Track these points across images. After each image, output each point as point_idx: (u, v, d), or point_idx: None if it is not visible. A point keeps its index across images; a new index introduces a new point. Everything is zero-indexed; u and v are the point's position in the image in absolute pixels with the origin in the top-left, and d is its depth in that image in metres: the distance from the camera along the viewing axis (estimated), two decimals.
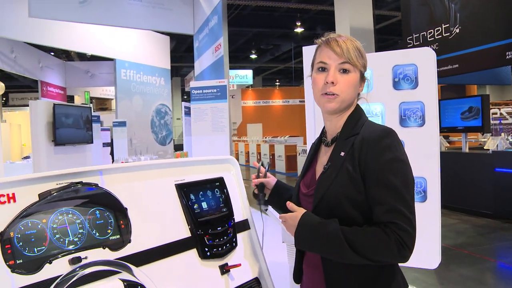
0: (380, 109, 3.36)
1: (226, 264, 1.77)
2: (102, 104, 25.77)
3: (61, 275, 1.29)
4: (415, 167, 3.23)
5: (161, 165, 1.75)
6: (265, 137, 23.37)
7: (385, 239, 1.31)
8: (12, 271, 1.23)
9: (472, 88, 15.13)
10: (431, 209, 3.26)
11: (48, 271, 1.29)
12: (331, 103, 1.48)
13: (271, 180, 1.87)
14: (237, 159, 22.14)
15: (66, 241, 1.37)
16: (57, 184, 1.41)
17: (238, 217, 1.91)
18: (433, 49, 8.18)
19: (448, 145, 10.24)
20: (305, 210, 1.49)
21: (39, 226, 1.33)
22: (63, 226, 1.38)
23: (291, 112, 27.33)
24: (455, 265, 5.16)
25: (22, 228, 1.29)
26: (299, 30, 18.24)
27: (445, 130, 9.26)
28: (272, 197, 1.85)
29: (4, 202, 1.28)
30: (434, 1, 8.30)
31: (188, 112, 9.37)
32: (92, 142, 7.55)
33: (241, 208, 1.97)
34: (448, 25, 8.07)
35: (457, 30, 7.92)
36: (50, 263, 1.31)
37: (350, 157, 1.43)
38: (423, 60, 3.18)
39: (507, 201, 7.29)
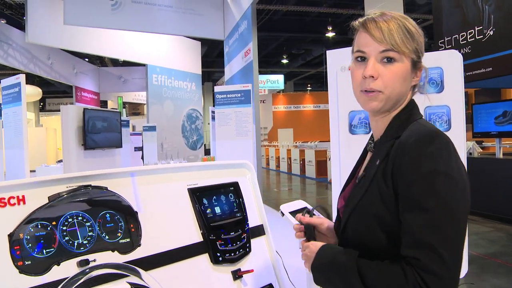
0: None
1: (239, 269, 1.76)
2: (135, 109, 26.26)
3: (68, 277, 1.30)
4: None
5: (173, 169, 1.75)
6: (296, 142, 23.30)
7: (401, 284, 1.01)
8: (20, 272, 1.25)
9: (508, 92, 14.72)
10: None
11: (55, 273, 1.30)
12: (373, 103, 1.18)
13: (323, 221, 1.44)
14: (268, 164, 22.16)
15: (76, 244, 1.38)
16: (67, 187, 1.42)
17: (253, 222, 1.89)
18: (466, 52, 8.02)
19: (482, 150, 9.98)
20: (325, 243, 1.26)
21: (49, 228, 1.34)
22: (73, 228, 1.39)
23: (322, 117, 27.12)
24: (487, 274, 5.00)
25: (32, 230, 1.31)
26: (330, 34, 18.15)
27: (479, 135, 9.03)
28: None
29: (14, 204, 1.30)
30: (467, 3, 8.12)
31: (215, 117, 9.46)
32: (121, 146, 7.67)
33: (256, 213, 1.95)
34: (481, 27, 7.88)
35: (491, 32, 7.72)
36: (58, 265, 1.32)
37: (384, 166, 1.13)
38: (450, 63, 3.11)
39: None
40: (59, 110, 24.31)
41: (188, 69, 15.21)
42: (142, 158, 13.09)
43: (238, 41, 10.73)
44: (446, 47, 8.55)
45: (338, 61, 3.61)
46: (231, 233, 1.76)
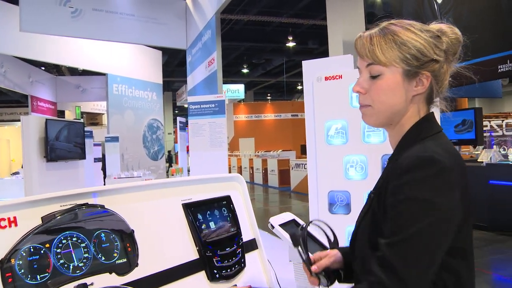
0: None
1: (235, 285, 1.70)
2: (93, 119, 25.65)
3: None
4: None
5: (167, 184, 1.67)
6: (258, 152, 23.33)
7: None
8: None
9: (463, 101, 15.21)
10: None
11: None
12: (365, 117, 1.19)
13: (332, 254, 1.34)
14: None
15: (71, 267, 1.29)
16: (61, 206, 1.33)
17: (246, 236, 1.84)
18: None
19: None
20: None
21: (42, 252, 1.25)
22: (68, 250, 1.30)
23: (284, 126, 27.34)
24: None
25: (24, 254, 1.21)
26: (291, 44, 18.31)
27: None
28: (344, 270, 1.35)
29: (5, 227, 1.20)
30: (427, 15, 8.35)
31: (183, 127, 9.33)
32: (84, 158, 7.45)
33: (248, 227, 1.90)
34: None
35: None
36: None
37: (380, 188, 1.13)
38: None
39: (501, 213, 7.28)
40: (12, 120, 23.51)
41: (149, 78, 15.00)
42: (103, 169, 12.78)
43: (201, 51, 10.65)
44: None
45: (313, 71, 3.61)
46: (226, 249, 1.70)
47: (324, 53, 17.91)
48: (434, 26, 1.17)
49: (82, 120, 9.49)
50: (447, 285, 1.05)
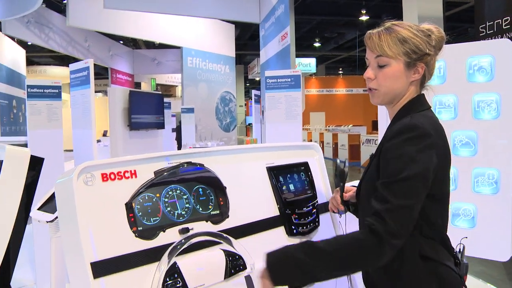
0: (453, 100, 3.37)
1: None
2: (167, 90, 26.60)
3: (173, 242, 1.48)
4: (486, 159, 3.20)
5: (253, 149, 1.91)
6: (328, 126, 23.29)
7: (359, 237, 1.25)
8: (136, 236, 1.43)
9: None
10: (503, 200, 3.24)
11: (162, 238, 1.49)
12: (373, 99, 1.47)
13: (353, 190, 1.69)
14: None
15: (176, 214, 1.56)
16: (168, 163, 1.59)
17: (320, 199, 2.04)
18: (510, 37, 7.92)
19: None
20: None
21: (154, 200, 1.52)
22: (173, 200, 1.57)
23: (355, 101, 27.01)
24: None
25: (141, 201, 1.49)
26: (364, 18, 17.95)
27: None
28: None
29: (128, 177, 1.48)
30: None
31: (257, 100, 9.59)
32: (163, 128, 7.89)
33: (323, 191, 2.10)
34: None
35: None
36: (164, 231, 1.50)
37: (377, 150, 1.43)
38: (501, 51, 3.16)
39: None
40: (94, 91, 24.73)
41: (222, 51, 15.35)
42: (177, 139, 13.35)
43: (274, 25, 10.79)
44: (487, 32, 8.44)
45: None
46: (303, 209, 1.92)
47: None
48: (425, 26, 1.45)
49: (160, 92, 9.97)
50: (423, 227, 1.33)
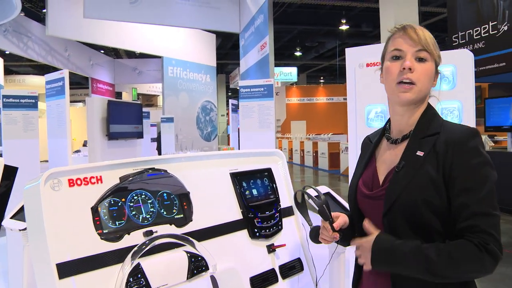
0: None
1: (273, 244, 2.01)
2: (149, 100, 26.59)
3: (137, 244, 1.56)
4: None
5: (217, 156, 2.00)
6: (309, 134, 23.48)
7: (478, 254, 1.22)
8: (101, 239, 1.51)
9: None
10: None
11: (127, 241, 1.57)
12: (407, 93, 1.36)
13: (342, 218, 1.56)
14: None
15: (141, 217, 1.64)
16: (133, 169, 1.68)
17: (284, 203, 2.14)
18: (479, 47, 8.14)
19: (493, 144, 10.11)
20: (378, 232, 1.37)
21: (119, 204, 1.61)
22: (138, 204, 1.65)
23: (335, 109, 27.28)
24: None
25: (107, 205, 1.58)
26: (344, 27, 18.26)
27: (491, 129, 9.16)
28: (347, 232, 1.58)
29: (94, 183, 1.57)
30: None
31: (235, 109, 9.71)
32: (142, 137, 7.95)
33: (286, 196, 2.19)
34: (495, 22, 7.99)
35: (505, 28, 7.84)
36: (129, 234, 1.58)
37: (432, 158, 1.33)
38: (462, 61, 3.31)
39: None
40: (72, 101, 24.45)
41: (203, 61, 15.47)
42: (158, 149, 13.37)
43: (254, 35, 10.94)
44: (460, 42, 8.68)
45: (356, 58, 3.82)
46: (266, 212, 2.01)
47: (378, 37, 17.73)
48: None
49: (140, 102, 10.01)
50: None
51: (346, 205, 2.34)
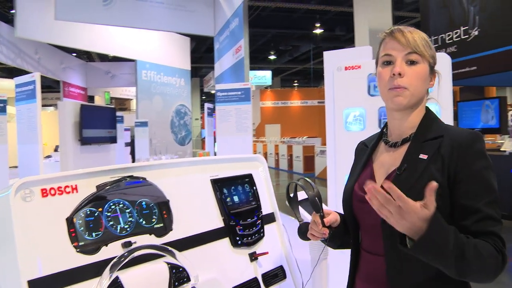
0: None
1: (255, 252, 1.95)
2: (122, 104, 26.23)
3: (116, 256, 1.48)
4: None
5: (198, 162, 1.94)
6: (283, 138, 23.52)
7: (497, 255, 1.21)
8: (77, 251, 1.43)
9: (491, 90, 15.10)
10: None
11: (105, 253, 1.49)
12: (400, 97, 1.34)
13: (334, 215, 1.52)
14: None
15: (118, 228, 1.57)
16: (110, 177, 1.60)
17: (265, 210, 2.09)
18: (452, 51, 8.27)
19: None
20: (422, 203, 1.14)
21: (96, 214, 1.53)
22: (116, 214, 1.58)
23: (310, 113, 27.41)
24: None
25: (83, 215, 1.50)
26: (318, 31, 18.36)
27: None
28: (337, 231, 1.53)
29: (69, 192, 1.49)
30: (454, 4, 8.38)
31: (210, 113, 9.62)
32: (116, 142, 7.80)
33: (268, 202, 2.15)
34: (467, 27, 8.13)
35: (476, 33, 7.97)
36: (106, 246, 1.51)
37: (437, 162, 1.30)
38: (439, 64, 3.32)
39: None
40: (44, 105, 23.94)
41: (177, 65, 15.32)
42: (132, 153, 13.18)
43: (229, 38, 10.88)
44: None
45: (334, 61, 3.80)
46: (247, 220, 1.96)
47: (351, 40, 17.87)
48: None
49: (113, 106, 9.84)
50: None
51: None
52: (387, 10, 9.31)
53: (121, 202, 1.60)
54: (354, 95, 3.69)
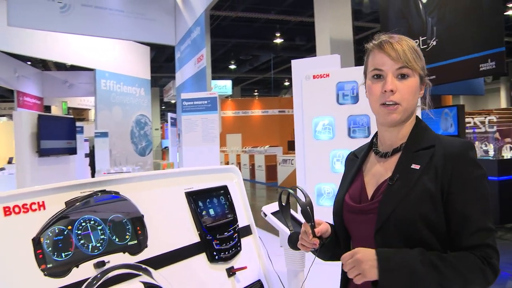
0: (366, 120, 3.51)
1: (232, 267, 1.87)
2: (80, 114, 25.59)
3: (88, 278, 1.38)
4: None
5: (171, 174, 1.84)
6: (245, 147, 23.49)
7: (482, 267, 1.19)
8: (45, 275, 1.31)
9: (448, 98, 15.54)
10: None
11: (76, 275, 1.38)
12: (393, 115, 1.32)
13: (325, 226, 1.48)
14: None
15: (90, 247, 1.45)
16: (81, 192, 1.49)
17: (241, 222, 2.01)
18: None
19: None
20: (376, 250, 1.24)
21: (65, 233, 1.41)
22: (87, 232, 1.46)
23: (271, 122, 27.48)
24: None
25: (51, 234, 1.38)
26: (278, 40, 18.48)
27: None
28: (328, 242, 1.49)
29: (35, 210, 1.37)
30: (412, 15, 8.58)
31: (174, 123, 9.46)
32: (75, 153, 7.56)
33: (244, 214, 2.07)
34: (425, 37, 8.33)
35: (434, 43, 8.17)
36: (77, 267, 1.39)
37: (430, 172, 1.27)
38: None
39: None
40: None
41: (137, 74, 15.07)
42: (91, 165, 12.83)
43: (190, 47, 10.78)
44: None
45: (302, 70, 3.79)
46: (224, 233, 1.87)
47: (311, 50, 18.08)
48: None
49: (72, 116, 9.54)
50: None
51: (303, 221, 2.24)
52: (347, 20, 9.44)
53: (92, 219, 1.49)
54: (322, 104, 3.68)
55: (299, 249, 1.50)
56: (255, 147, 22.20)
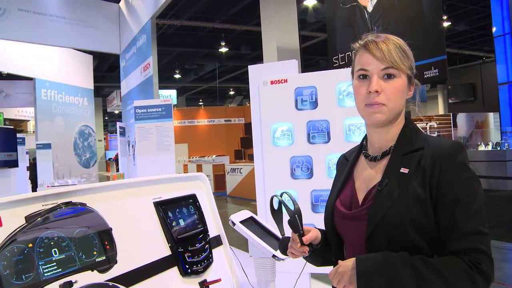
0: (326, 125, 3.49)
1: (205, 280, 1.77)
2: (18, 126, 24.48)
3: None
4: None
5: (139, 184, 1.72)
6: (192, 157, 23.22)
7: (470, 272, 1.15)
8: None
9: None
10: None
11: None
12: (377, 114, 1.28)
13: (314, 233, 1.46)
14: None
15: (54, 266, 1.31)
16: (43, 205, 1.34)
17: (212, 233, 1.91)
18: None
19: None
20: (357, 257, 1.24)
21: (26, 251, 1.26)
22: (50, 250, 1.32)
23: (217, 131, 27.31)
24: None
25: (8, 255, 1.22)
26: (223, 49, 18.42)
27: None
28: (319, 248, 1.47)
29: None
30: (358, 23, 8.76)
31: (122, 132, 9.17)
32: (17, 166, 7.14)
33: (213, 224, 1.97)
34: None
35: None
36: None
37: (418, 175, 1.25)
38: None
39: None
40: None
41: (80, 83, 14.53)
42: (31, 178, 12.22)
43: (136, 55, 10.53)
44: (340, 63, 9.10)
45: (259, 75, 3.72)
46: (195, 245, 1.77)
47: (257, 59, 18.16)
48: None
49: (12, 127, 9.02)
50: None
51: (272, 230, 2.16)
52: (294, 29, 9.52)
53: (56, 234, 1.35)
54: (281, 110, 3.62)
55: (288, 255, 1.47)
56: (202, 157, 21.98)
